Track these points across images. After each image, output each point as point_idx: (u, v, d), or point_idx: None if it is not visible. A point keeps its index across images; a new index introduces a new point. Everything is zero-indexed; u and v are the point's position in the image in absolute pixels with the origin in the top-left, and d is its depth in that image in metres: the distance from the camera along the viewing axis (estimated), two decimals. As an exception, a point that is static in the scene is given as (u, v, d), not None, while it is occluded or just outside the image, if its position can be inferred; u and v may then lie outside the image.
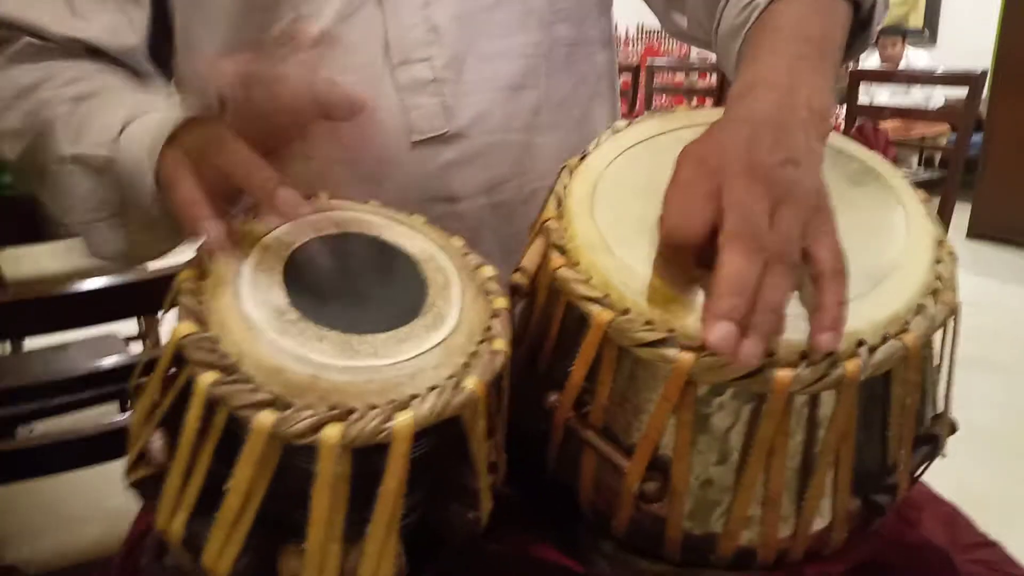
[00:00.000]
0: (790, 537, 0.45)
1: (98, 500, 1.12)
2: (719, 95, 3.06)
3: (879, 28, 0.62)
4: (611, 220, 0.46)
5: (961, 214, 4.23)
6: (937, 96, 4.75)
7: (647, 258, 0.43)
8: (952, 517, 0.54)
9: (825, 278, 0.37)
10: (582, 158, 0.53)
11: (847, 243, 0.44)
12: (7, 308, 0.95)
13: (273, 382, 0.36)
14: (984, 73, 2.23)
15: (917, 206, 0.47)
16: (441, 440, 0.41)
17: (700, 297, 0.41)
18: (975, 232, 4.05)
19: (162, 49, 0.67)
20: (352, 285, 0.41)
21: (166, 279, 0.92)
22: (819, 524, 0.45)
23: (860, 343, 0.40)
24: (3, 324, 0.99)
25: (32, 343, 2.44)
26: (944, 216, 2.31)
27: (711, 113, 0.54)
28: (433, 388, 0.37)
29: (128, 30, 0.64)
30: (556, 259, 0.46)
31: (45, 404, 1.46)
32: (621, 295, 0.42)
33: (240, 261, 0.40)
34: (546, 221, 0.48)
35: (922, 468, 0.48)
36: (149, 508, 0.60)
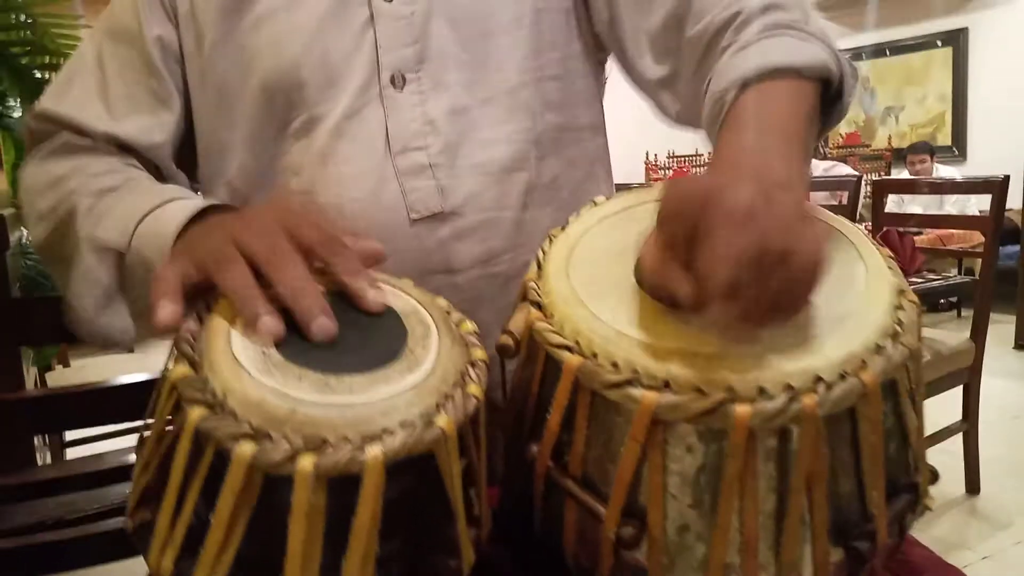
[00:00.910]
0: (773, 588, 0.45)
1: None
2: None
3: (853, 96, 0.65)
4: (584, 278, 0.49)
5: (1007, 326, 4.18)
6: (971, 210, 4.78)
7: (616, 310, 0.46)
8: (953, 579, 0.53)
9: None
10: (563, 227, 0.57)
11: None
12: (50, 401, 1.00)
13: (254, 415, 0.38)
14: (1007, 178, 2.26)
15: (878, 260, 0.49)
16: (417, 483, 0.43)
17: (668, 343, 0.43)
18: (1022, 343, 3.95)
19: (185, 154, 0.75)
20: (336, 335, 0.44)
21: None
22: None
23: (818, 379, 0.41)
24: (44, 417, 1.03)
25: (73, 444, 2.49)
26: (980, 323, 2.28)
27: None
28: (405, 424, 0.40)
29: (158, 131, 0.72)
30: (534, 314, 0.49)
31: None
32: (590, 341, 0.44)
33: (234, 312, 0.44)
34: (527, 282, 0.52)
35: (909, 519, 0.48)
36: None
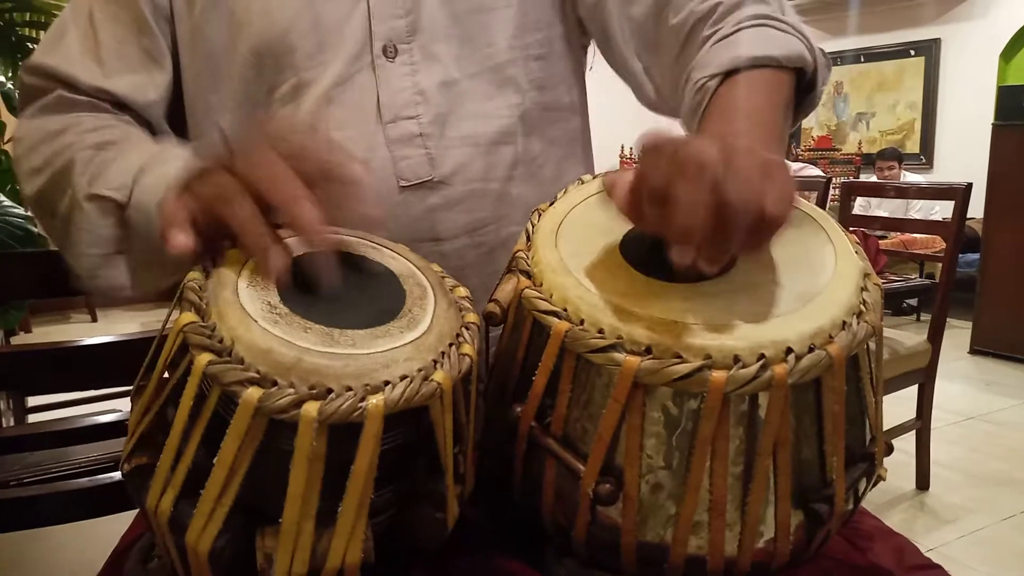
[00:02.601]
0: (736, 546, 0.48)
1: (93, 556, 1.13)
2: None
3: (825, 85, 0.69)
4: (571, 250, 0.52)
5: (964, 331, 4.30)
6: (935, 217, 4.90)
7: (602, 280, 0.49)
8: (901, 545, 0.56)
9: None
10: (551, 203, 0.59)
11: (782, 270, 0.49)
12: (14, 358, 0.99)
13: (261, 362, 0.40)
14: (969, 186, 2.33)
15: (846, 244, 0.52)
16: (410, 435, 0.45)
17: (650, 312, 0.46)
18: (977, 347, 4.07)
19: (174, 114, 0.75)
20: (338, 292, 0.46)
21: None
22: (764, 535, 0.48)
23: (788, 351, 0.44)
24: (9, 375, 1.02)
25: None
26: (937, 324, 2.35)
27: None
28: (404, 377, 0.42)
29: (152, 89, 0.72)
30: (522, 281, 0.51)
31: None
32: (577, 308, 0.47)
33: (240, 265, 0.46)
34: (516, 252, 0.54)
35: (864, 488, 0.52)
36: (138, 522, 0.63)
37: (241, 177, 0.47)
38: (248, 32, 0.70)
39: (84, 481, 0.99)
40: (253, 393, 0.40)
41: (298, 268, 0.46)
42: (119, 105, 0.70)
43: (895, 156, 5.29)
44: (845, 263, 0.50)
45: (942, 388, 2.54)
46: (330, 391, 0.40)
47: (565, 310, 0.48)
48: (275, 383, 0.40)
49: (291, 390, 0.40)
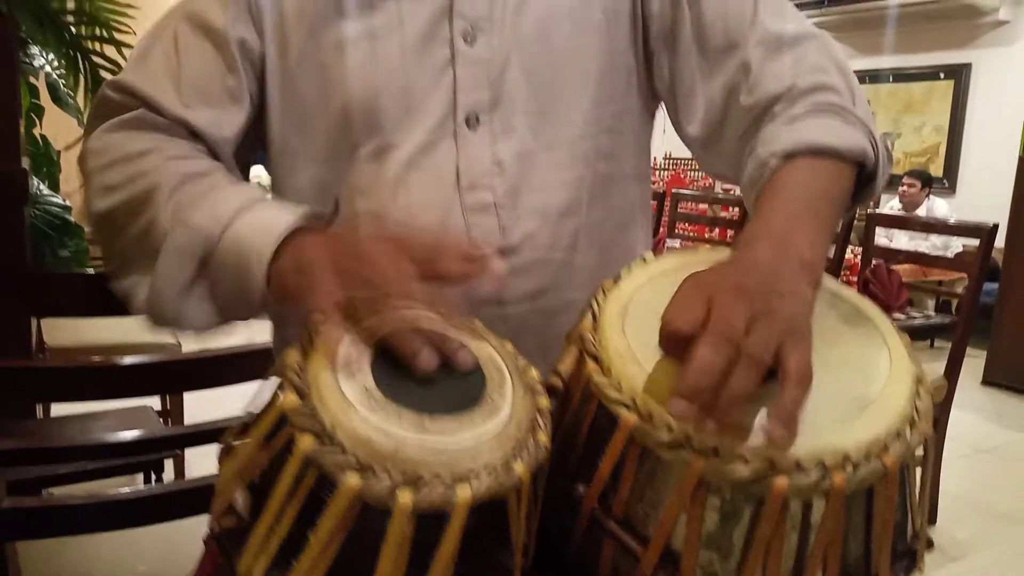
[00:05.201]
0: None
1: (125, 566, 1.17)
2: (740, 227, 3.20)
3: (886, 180, 0.72)
4: (638, 337, 0.55)
5: (977, 360, 4.30)
6: (955, 243, 4.90)
7: (668, 372, 0.51)
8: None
9: (789, 383, 0.46)
10: (615, 280, 0.62)
11: (839, 373, 0.52)
12: (45, 373, 1.02)
13: (360, 450, 0.43)
14: (996, 226, 2.34)
15: (900, 347, 0.55)
16: (487, 518, 0.48)
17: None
18: (989, 379, 4.08)
19: (244, 150, 0.77)
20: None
21: (192, 361, 1.00)
22: (810, 624, 0.51)
23: (846, 459, 0.47)
24: (39, 389, 1.04)
25: (62, 409, 2.51)
26: (955, 361, 2.37)
27: (726, 253, 0.63)
28: (488, 467, 0.45)
29: (227, 126, 0.74)
30: (591, 366, 0.54)
31: (73, 469, 1.51)
32: (645, 402, 0.50)
33: (336, 345, 0.49)
34: (582, 333, 0.57)
35: (904, 580, 0.54)
36: (208, 561, 0.67)
37: (356, 257, 0.52)
38: (340, 90, 0.73)
39: (126, 492, 1.03)
40: (353, 480, 0.43)
41: (387, 348, 0.49)
42: (195, 135, 0.72)
43: (921, 177, 5.27)
44: (899, 368, 0.53)
45: (953, 419, 2.55)
46: (422, 480, 0.43)
47: (634, 401, 0.51)
48: (372, 470, 0.43)
49: (387, 479, 0.43)
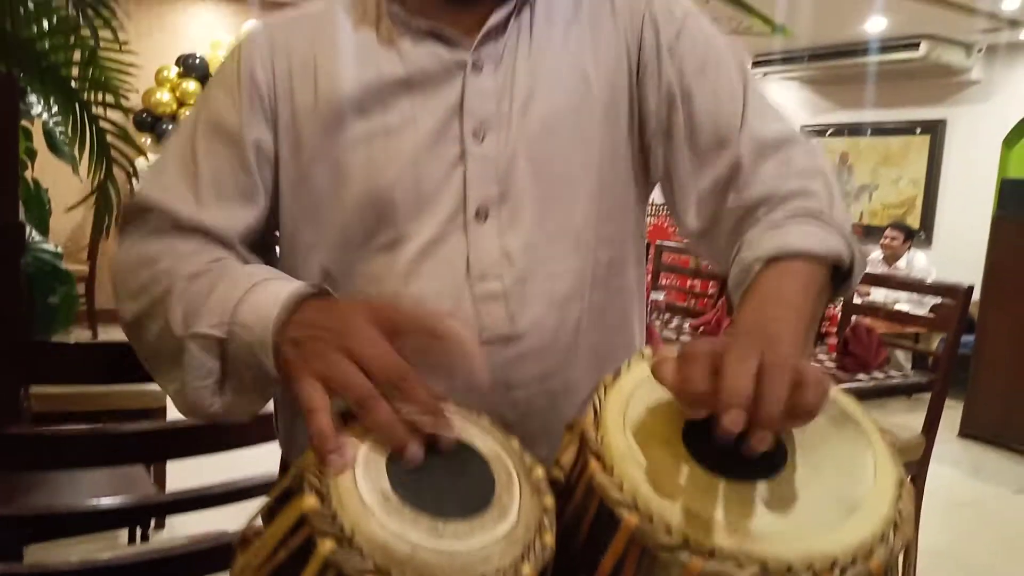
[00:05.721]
0: None
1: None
2: (722, 280, 3.25)
3: (860, 278, 0.77)
4: (639, 436, 0.58)
5: (954, 412, 4.37)
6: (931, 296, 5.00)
7: (670, 473, 0.54)
8: None
9: (808, 385, 0.52)
10: (615, 376, 0.65)
11: (827, 475, 0.55)
12: (31, 441, 1.01)
13: (378, 555, 0.46)
14: (971, 288, 2.41)
15: (884, 449, 0.58)
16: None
17: (712, 512, 0.52)
18: (966, 431, 4.14)
19: (260, 246, 0.81)
20: (439, 475, 0.52)
21: (178, 431, 1.02)
22: None
23: (834, 564, 0.50)
24: (26, 457, 1.03)
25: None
26: (933, 419, 2.42)
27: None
28: (500, 572, 0.47)
29: (239, 220, 0.78)
30: (594, 464, 0.57)
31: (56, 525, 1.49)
32: (646, 502, 0.53)
33: (356, 450, 0.51)
34: (585, 430, 0.60)
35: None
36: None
37: (350, 355, 0.54)
38: (353, 185, 0.76)
39: (111, 557, 1.03)
40: (371, 583, 0.45)
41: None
42: (208, 235, 0.75)
43: (904, 229, 5.38)
44: (884, 471, 0.56)
45: (930, 472, 2.59)
46: (438, 582, 0.46)
47: (635, 501, 0.53)
48: (389, 575, 0.46)
49: (404, 583, 0.45)
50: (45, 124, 2.28)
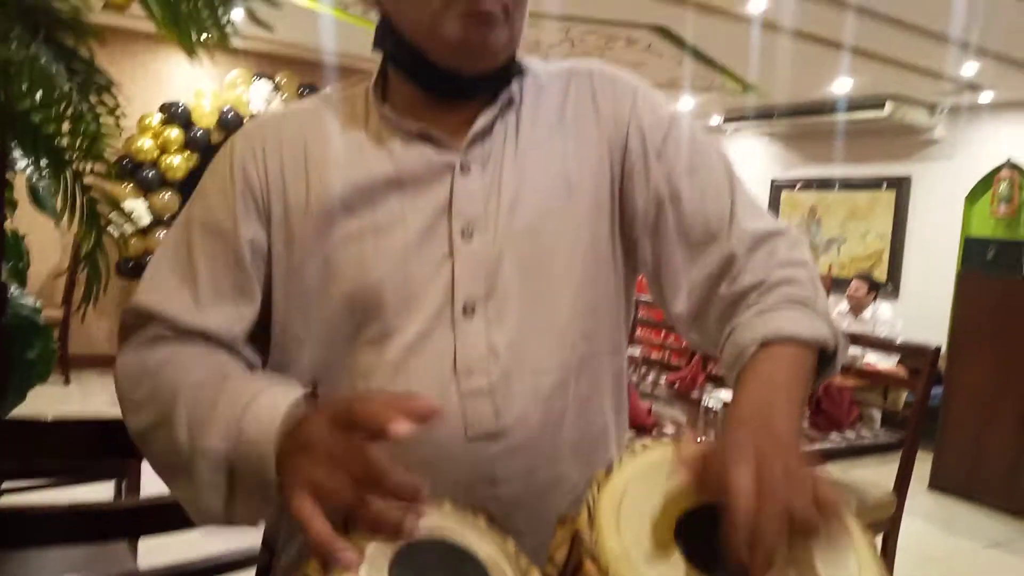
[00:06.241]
0: None
1: None
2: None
3: (844, 359, 0.81)
4: (633, 536, 0.60)
5: (923, 464, 4.42)
6: (899, 336, 5.11)
7: (664, 573, 0.57)
8: None
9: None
10: (608, 472, 0.68)
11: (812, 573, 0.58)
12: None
13: None
14: (938, 349, 2.48)
15: (868, 550, 0.62)
16: None
17: None
18: (936, 484, 4.20)
19: (257, 336, 0.82)
20: None
21: (153, 507, 1.00)
22: None
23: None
24: None
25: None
26: (904, 476, 2.47)
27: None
28: None
29: (237, 322, 0.79)
30: (589, 566, 0.59)
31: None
32: (642, 607, 0.55)
33: (359, 557, 0.54)
34: (579, 530, 0.62)
35: None
36: None
37: (332, 462, 0.58)
38: (343, 281, 0.78)
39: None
40: None
41: (403, 560, 0.54)
42: (208, 338, 0.77)
43: (868, 281, 5.48)
44: (867, 569, 0.60)
45: (903, 527, 2.62)
46: None
47: (630, 604, 0.56)
48: None
49: None
50: (29, 179, 2.28)
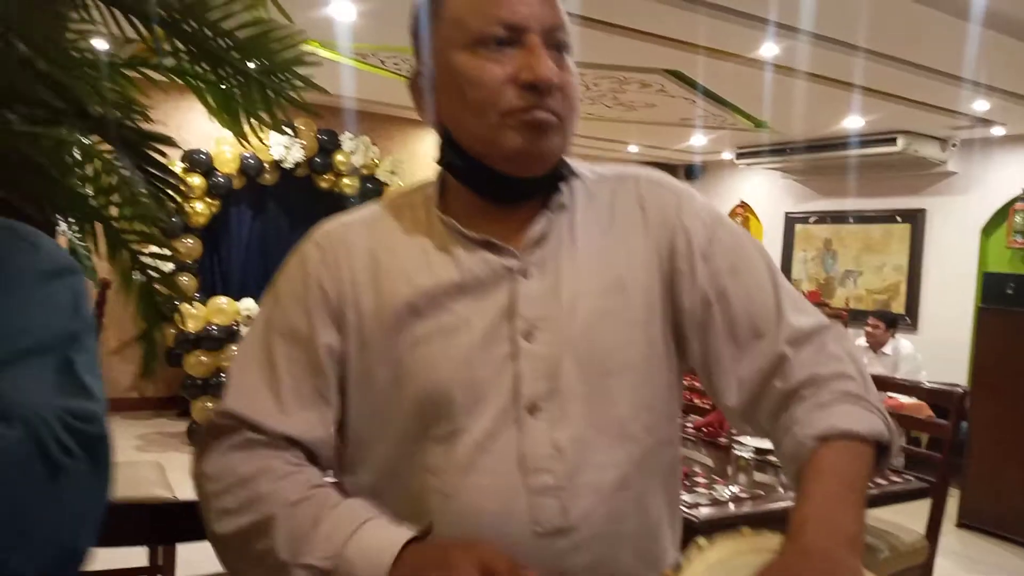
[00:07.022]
0: None
1: None
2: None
3: (899, 452, 0.84)
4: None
5: (951, 501, 4.37)
6: (921, 376, 5.11)
7: None
8: None
9: None
10: (676, 571, 0.71)
11: None
12: None
13: None
14: (965, 394, 2.49)
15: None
16: None
17: None
18: (964, 521, 4.17)
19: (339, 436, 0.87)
20: None
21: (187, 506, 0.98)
22: None
23: None
24: None
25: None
26: (935, 521, 2.47)
27: (772, 539, 0.73)
28: None
29: (320, 426, 0.84)
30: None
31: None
32: None
33: None
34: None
35: None
36: None
37: None
38: (413, 382, 0.82)
39: None
40: None
41: None
42: (293, 442, 0.82)
43: (885, 318, 5.49)
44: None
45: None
46: None
47: None
48: None
49: None
50: (70, 241, 2.35)
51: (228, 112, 1.49)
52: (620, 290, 0.88)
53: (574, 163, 0.92)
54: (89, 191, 1.53)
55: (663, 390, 0.90)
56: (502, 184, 0.86)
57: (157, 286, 1.59)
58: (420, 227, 0.89)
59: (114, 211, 1.51)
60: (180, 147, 5.33)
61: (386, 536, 0.72)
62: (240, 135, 1.49)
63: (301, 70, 1.49)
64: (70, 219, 1.70)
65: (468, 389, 0.82)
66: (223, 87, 1.46)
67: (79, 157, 1.52)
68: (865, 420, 0.79)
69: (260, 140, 1.58)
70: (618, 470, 0.84)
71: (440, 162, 0.91)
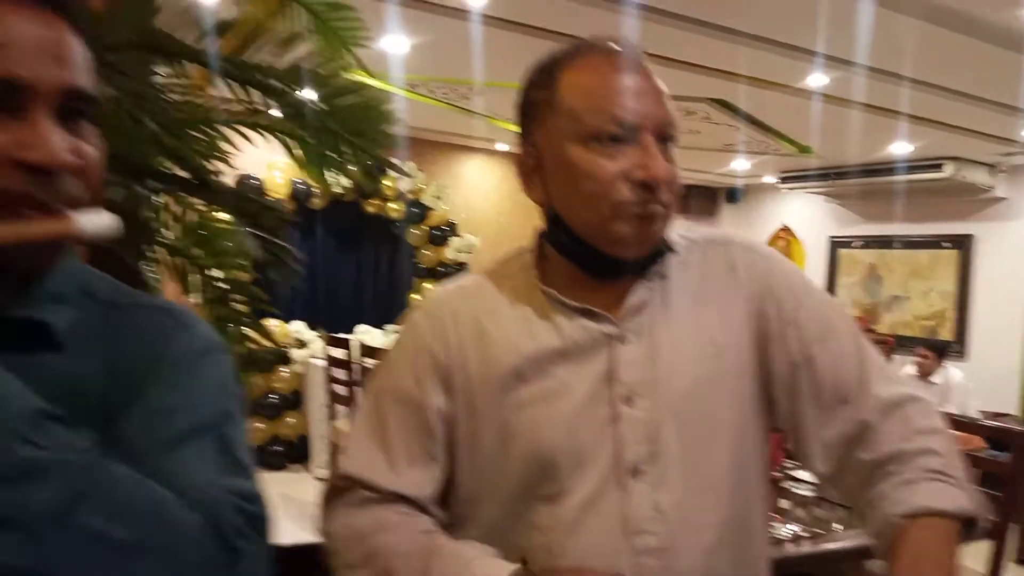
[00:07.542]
0: None
1: None
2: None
3: (984, 527, 0.87)
4: None
5: (1011, 533, 4.28)
6: (971, 410, 5.01)
7: None
8: None
9: None
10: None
11: None
12: None
13: None
14: (1026, 433, 2.47)
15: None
16: None
17: None
18: (1022, 558, 4.09)
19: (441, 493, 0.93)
20: None
21: None
22: None
23: None
24: None
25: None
26: (997, 558, 2.45)
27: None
28: None
29: (429, 484, 0.90)
30: None
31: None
32: None
33: None
34: None
35: None
36: None
37: None
38: (519, 443, 0.87)
39: None
40: None
41: None
42: (405, 499, 0.88)
43: (935, 348, 5.41)
44: None
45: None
46: None
47: None
48: None
49: None
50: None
51: (314, 164, 1.57)
52: (715, 355, 0.92)
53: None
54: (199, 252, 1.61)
55: (755, 450, 0.94)
56: (606, 262, 0.91)
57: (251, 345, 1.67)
58: (520, 295, 0.94)
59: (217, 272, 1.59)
60: (235, 168, 5.49)
61: (495, 565, 0.77)
62: (324, 185, 1.56)
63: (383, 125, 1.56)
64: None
65: (572, 451, 0.87)
66: (311, 142, 1.53)
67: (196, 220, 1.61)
68: (951, 497, 0.81)
69: (341, 187, 1.66)
70: (716, 530, 0.88)
71: (547, 238, 0.96)
